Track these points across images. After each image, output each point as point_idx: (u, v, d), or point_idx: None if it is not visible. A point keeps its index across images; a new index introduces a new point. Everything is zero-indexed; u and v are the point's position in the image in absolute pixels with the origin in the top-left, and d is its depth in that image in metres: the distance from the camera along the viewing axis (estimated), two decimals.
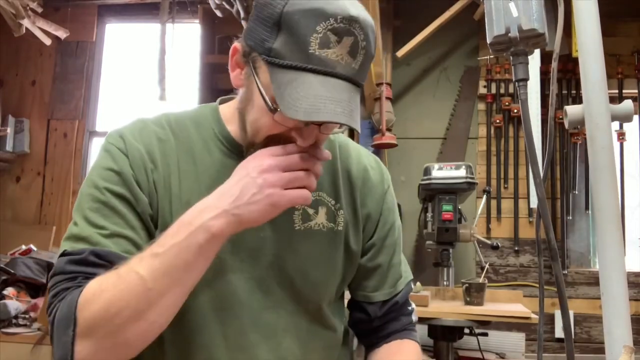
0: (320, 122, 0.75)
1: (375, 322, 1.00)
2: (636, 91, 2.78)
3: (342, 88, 0.75)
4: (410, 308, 1.03)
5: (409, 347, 0.99)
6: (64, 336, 0.73)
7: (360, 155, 1.01)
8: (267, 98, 0.77)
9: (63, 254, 0.80)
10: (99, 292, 0.73)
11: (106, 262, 0.77)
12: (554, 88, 0.88)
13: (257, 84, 0.78)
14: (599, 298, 0.90)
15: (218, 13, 2.58)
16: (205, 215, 0.74)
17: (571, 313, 2.61)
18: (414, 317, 1.04)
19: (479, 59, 2.91)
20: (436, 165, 2.33)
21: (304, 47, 0.74)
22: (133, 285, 0.72)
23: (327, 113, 0.73)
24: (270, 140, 0.80)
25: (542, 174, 0.78)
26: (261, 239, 0.88)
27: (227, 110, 0.94)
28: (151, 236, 0.83)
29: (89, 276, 0.76)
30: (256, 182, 0.73)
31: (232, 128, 0.91)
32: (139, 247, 0.80)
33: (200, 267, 0.76)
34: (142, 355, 0.79)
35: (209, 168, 0.89)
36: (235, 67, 0.84)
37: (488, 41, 0.80)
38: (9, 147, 3.13)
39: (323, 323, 0.95)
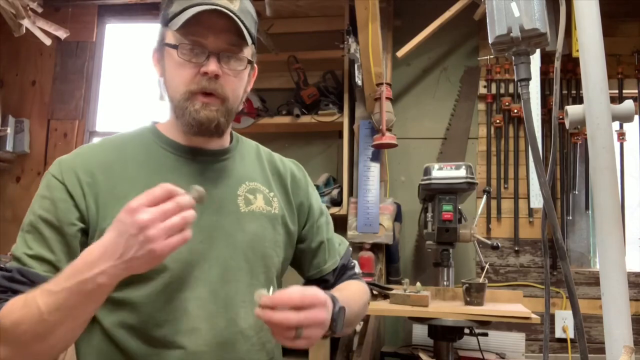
0: (200, 9, 0.94)
1: (330, 286, 1.19)
2: (636, 91, 2.78)
3: (223, 13, 0.96)
4: (352, 264, 1.27)
5: (351, 281, 1.22)
6: None
7: (283, 160, 1.23)
8: (171, 44, 0.99)
9: (1, 267, 0.95)
10: (11, 312, 0.86)
11: (28, 280, 0.91)
12: (557, 87, 0.88)
13: (165, 45, 1.00)
14: (599, 298, 0.91)
15: None
16: (94, 270, 0.79)
17: (570, 313, 2.61)
18: (357, 270, 1.28)
19: (479, 59, 2.91)
20: (436, 165, 2.33)
21: None
22: (32, 314, 0.83)
23: (210, 5, 0.95)
24: (188, 91, 0.98)
25: (547, 174, 0.78)
26: (214, 221, 1.03)
27: (163, 125, 1.10)
28: (73, 255, 0.92)
29: (15, 291, 0.90)
30: (137, 239, 0.77)
31: (172, 134, 1.07)
32: (56, 268, 0.93)
33: (89, 308, 0.85)
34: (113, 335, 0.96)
35: (157, 171, 1.02)
36: (155, 65, 1.06)
37: (490, 41, 0.80)
38: (9, 147, 3.12)
39: None
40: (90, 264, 0.80)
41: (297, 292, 0.85)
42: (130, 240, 0.77)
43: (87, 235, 0.97)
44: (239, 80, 1.03)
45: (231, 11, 0.97)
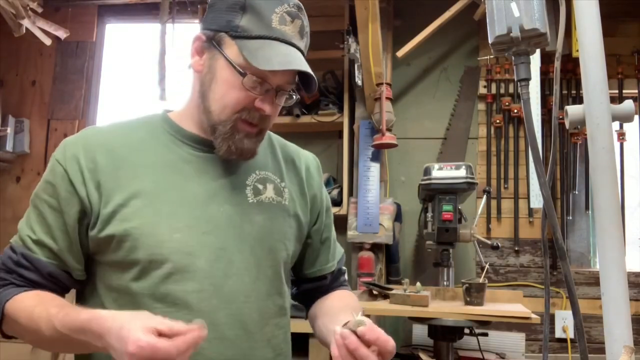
0: (295, 69, 0.95)
1: (324, 289, 1.21)
2: (636, 91, 2.78)
3: (300, 56, 0.97)
4: (344, 270, 1.27)
5: (345, 292, 1.23)
6: None
7: (299, 151, 1.21)
8: (236, 66, 0.94)
9: (10, 246, 1.00)
10: (18, 316, 0.93)
11: (32, 266, 0.97)
12: (557, 87, 0.88)
13: (225, 57, 0.96)
14: (599, 298, 0.91)
15: None
16: (98, 341, 0.83)
17: (570, 313, 2.61)
18: (346, 276, 1.28)
19: (479, 59, 2.91)
20: (436, 165, 2.33)
21: (268, 22, 0.94)
22: (33, 331, 0.92)
23: (297, 65, 0.93)
24: (238, 118, 0.97)
25: (547, 174, 0.78)
26: (221, 212, 1.00)
27: (175, 114, 1.08)
28: (70, 239, 0.97)
29: (20, 275, 0.97)
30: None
31: (184, 124, 1.05)
32: (58, 257, 0.97)
33: (87, 350, 0.93)
34: None
35: (163, 159, 1.01)
36: (195, 54, 1.01)
37: (490, 41, 0.80)
38: (9, 147, 3.12)
39: (278, 289, 1.07)
40: (100, 336, 0.82)
41: (392, 342, 0.84)
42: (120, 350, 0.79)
43: (87, 221, 0.97)
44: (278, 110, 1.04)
45: (302, 53, 0.98)
